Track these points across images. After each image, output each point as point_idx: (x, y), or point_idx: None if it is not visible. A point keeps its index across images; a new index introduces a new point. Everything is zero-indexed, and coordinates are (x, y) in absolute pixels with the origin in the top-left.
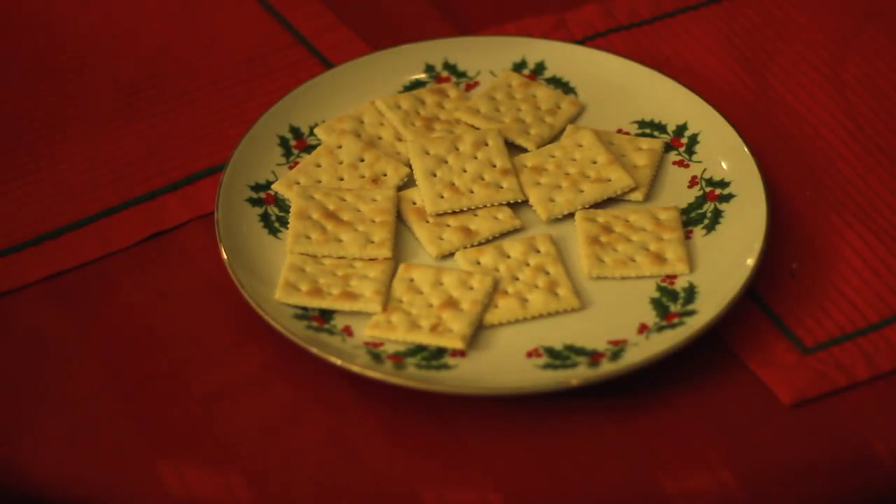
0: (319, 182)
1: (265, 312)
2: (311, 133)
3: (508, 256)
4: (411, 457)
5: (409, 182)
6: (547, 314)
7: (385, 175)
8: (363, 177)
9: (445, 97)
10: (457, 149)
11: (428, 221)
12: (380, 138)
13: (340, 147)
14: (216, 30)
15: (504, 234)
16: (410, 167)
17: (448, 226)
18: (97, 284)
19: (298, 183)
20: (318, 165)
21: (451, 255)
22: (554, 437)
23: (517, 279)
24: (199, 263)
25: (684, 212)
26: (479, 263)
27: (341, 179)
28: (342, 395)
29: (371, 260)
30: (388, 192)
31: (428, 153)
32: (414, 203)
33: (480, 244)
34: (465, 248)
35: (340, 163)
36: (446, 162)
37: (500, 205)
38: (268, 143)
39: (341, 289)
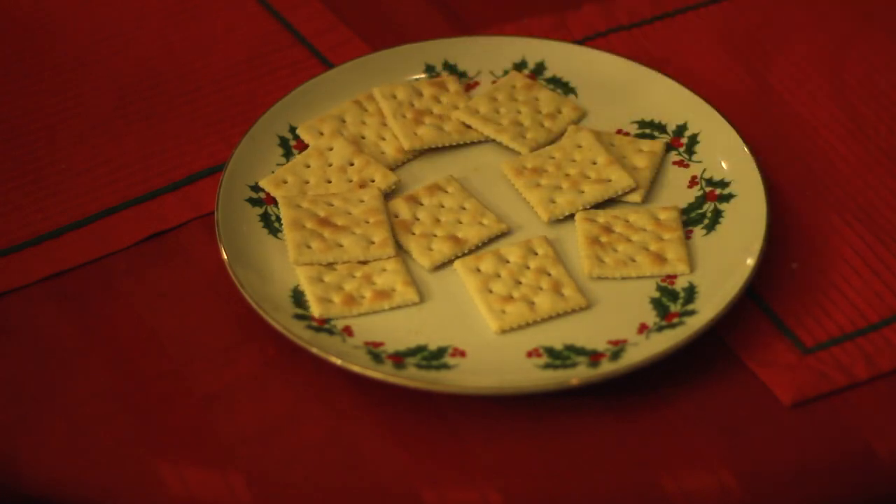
0: (307, 182)
1: (265, 312)
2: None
3: (508, 261)
4: (411, 457)
5: (396, 190)
6: (556, 315)
7: (373, 181)
8: (351, 181)
9: (444, 90)
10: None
11: (414, 233)
12: (363, 137)
13: (331, 149)
14: (216, 30)
15: (492, 240)
16: (399, 174)
17: (435, 236)
18: (97, 284)
19: (286, 182)
20: (308, 166)
21: (444, 264)
22: (554, 437)
23: (520, 283)
24: (199, 263)
25: (684, 212)
26: (479, 270)
27: (329, 182)
28: (342, 395)
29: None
30: (373, 192)
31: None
32: (397, 216)
33: (471, 251)
34: (458, 256)
35: (330, 165)
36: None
37: (486, 210)
38: (268, 143)
39: (370, 290)
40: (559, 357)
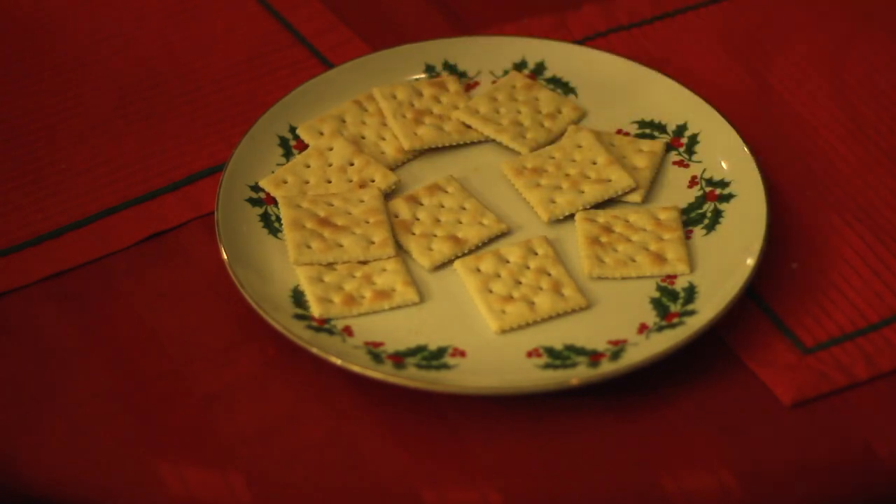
0: (307, 182)
1: (265, 312)
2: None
3: (508, 261)
4: (411, 457)
5: (396, 190)
6: (556, 315)
7: (373, 181)
8: (351, 181)
9: (444, 90)
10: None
11: (414, 233)
12: (363, 137)
13: (331, 149)
14: (216, 30)
15: (492, 240)
16: (399, 174)
17: (435, 236)
18: (97, 284)
19: (286, 182)
20: (308, 166)
21: (443, 265)
22: (554, 437)
23: (520, 283)
24: (199, 263)
25: (684, 212)
26: (479, 270)
27: (329, 182)
28: (342, 395)
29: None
30: (373, 192)
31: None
32: (397, 216)
33: (471, 251)
34: (458, 256)
35: (330, 165)
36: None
37: (486, 210)
38: (268, 143)
39: (371, 290)
40: (559, 357)
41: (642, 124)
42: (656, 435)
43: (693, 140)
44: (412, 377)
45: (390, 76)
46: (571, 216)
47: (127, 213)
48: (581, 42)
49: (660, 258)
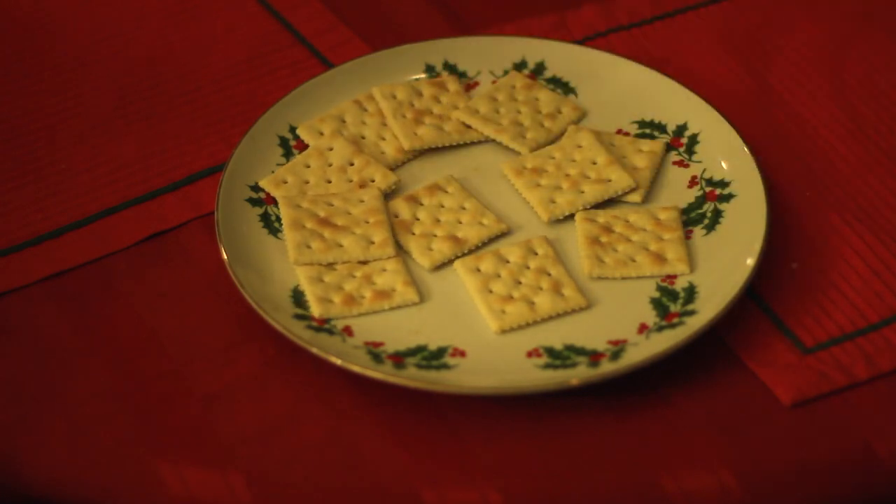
0: (307, 182)
1: (265, 312)
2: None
3: (508, 261)
4: (411, 457)
5: (396, 190)
6: (556, 315)
7: (373, 181)
8: (351, 181)
9: (444, 90)
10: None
11: (414, 233)
12: (363, 137)
13: (331, 149)
14: (216, 30)
15: (492, 240)
16: (399, 174)
17: (435, 236)
18: (97, 284)
19: (286, 182)
20: (308, 166)
21: (443, 265)
22: (554, 437)
23: (520, 283)
24: (199, 263)
25: (684, 212)
26: (479, 270)
27: (329, 182)
28: (342, 395)
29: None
30: (373, 192)
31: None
32: (397, 216)
33: (471, 251)
34: (458, 256)
35: (330, 165)
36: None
37: (486, 210)
38: (268, 143)
39: (371, 290)
40: (559, 357)
41: (642, 124)
42: (656, 435)
43: (693, 140)
44: (412, 377)
45: (390, 76)
46: (571, 216)
47: (127, 213)
48: (581, 42)
49: (660, 258)
